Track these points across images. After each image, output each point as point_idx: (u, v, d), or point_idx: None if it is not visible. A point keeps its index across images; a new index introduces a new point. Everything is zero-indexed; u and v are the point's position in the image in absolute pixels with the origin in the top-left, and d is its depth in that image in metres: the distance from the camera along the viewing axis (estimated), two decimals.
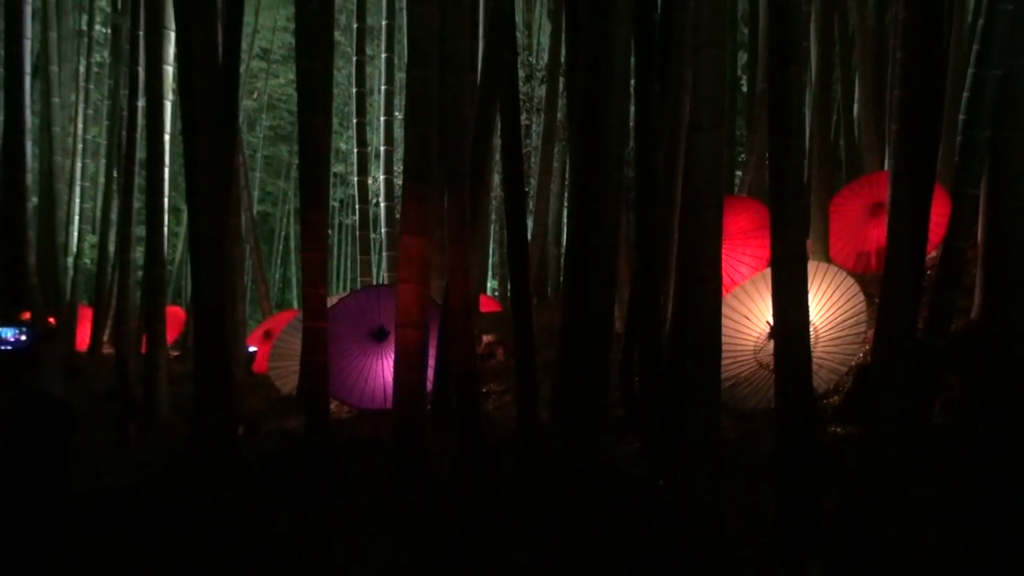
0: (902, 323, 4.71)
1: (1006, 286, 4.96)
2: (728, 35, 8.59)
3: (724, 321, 4.91)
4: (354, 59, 10.81)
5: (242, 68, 7.35)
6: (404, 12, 7.07)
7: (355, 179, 11.19)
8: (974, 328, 6.28)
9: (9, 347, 4.76)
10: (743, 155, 11.38)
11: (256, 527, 5.27)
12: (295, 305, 18.12)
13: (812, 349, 5.06)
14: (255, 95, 20.76)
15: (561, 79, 10.59)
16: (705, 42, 4.76)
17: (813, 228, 8.32)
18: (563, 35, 7.72)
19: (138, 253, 10.28)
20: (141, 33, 8.77)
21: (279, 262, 22.65)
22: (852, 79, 9.84)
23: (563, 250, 8.90)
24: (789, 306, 4.82)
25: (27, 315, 7.15)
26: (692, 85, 4.90)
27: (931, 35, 4.93)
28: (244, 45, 8.28)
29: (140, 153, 9.19)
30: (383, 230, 10.33)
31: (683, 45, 5.09)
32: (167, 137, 8.48)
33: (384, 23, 10.03)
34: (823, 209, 8.47)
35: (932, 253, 5.98)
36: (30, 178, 8.67)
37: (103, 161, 13.19)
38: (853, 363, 6.58)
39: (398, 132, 10.12)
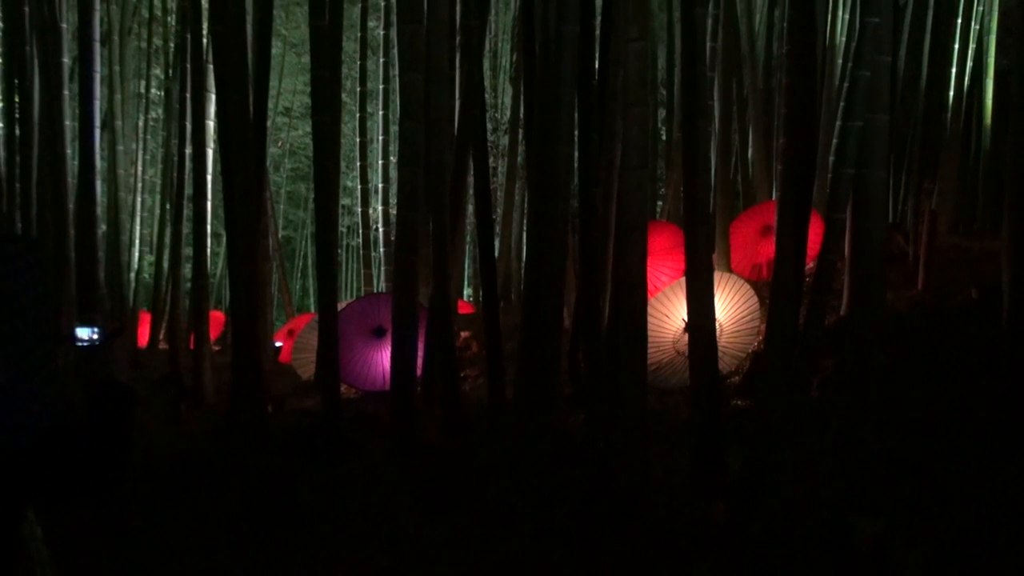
0: (787, 319, 4.76)
1: (865, 290, 5.03)
2: (650, 96, 8.66)
3: (649, 319, 4.94)
4: (357, 115, 10.77)
5: (268, 122, 7.32)
6: (397, 79, 7.06)
7: (359, 210, 11.14)
8: (842, 322, 6.35)
9: (86, 343, 4.71)
10: (663, 189, 11.45)
11: (282, 483, 5.23)
12: (312, 309, 17.96)
13: (718, 340, 5.10)
14: (279, 143, 20.62)
15: (520, 130, 10.62)
16: (632, 101, 4.79)
17: (718, 245, 8.38)
18: (522, 96, 7.75)
19: (186, 269, 10.19)
20: (188, 95, 8.70)
21: (299, 275, 22.54)
22: (747, 129, 9.92)
23: (523, 264, 8.91)
24: (700, 307, 4.87)
25: (98, 318, 7.07)
26: (622, 134, 4.93)
27: (807, 95, 5.00)
28: (270, 104, 8.25)
29: (188, 190, 9.11)
30: (381, 250, 10.30)
31: (615, 103, 5.13)
32: (209, 177, 8.41)
33: (381, 87, 10.02)
34: (725, 230, 8.53)
35: (810, 264, 6.04)
36: (100, 210, 8.55)
37: (158, 196, 13.07)
38: (750, 350, 6.64)
39: (393, 172, 10.07)
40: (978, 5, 9.40)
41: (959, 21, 9.33)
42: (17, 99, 7.86)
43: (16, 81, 7.84)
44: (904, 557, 3.63)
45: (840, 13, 9.09)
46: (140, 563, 4.21)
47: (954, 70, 9.43)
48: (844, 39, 8.76)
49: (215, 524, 4.76)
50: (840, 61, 8.51)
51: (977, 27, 9.44)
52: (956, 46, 9.39)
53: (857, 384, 4.90)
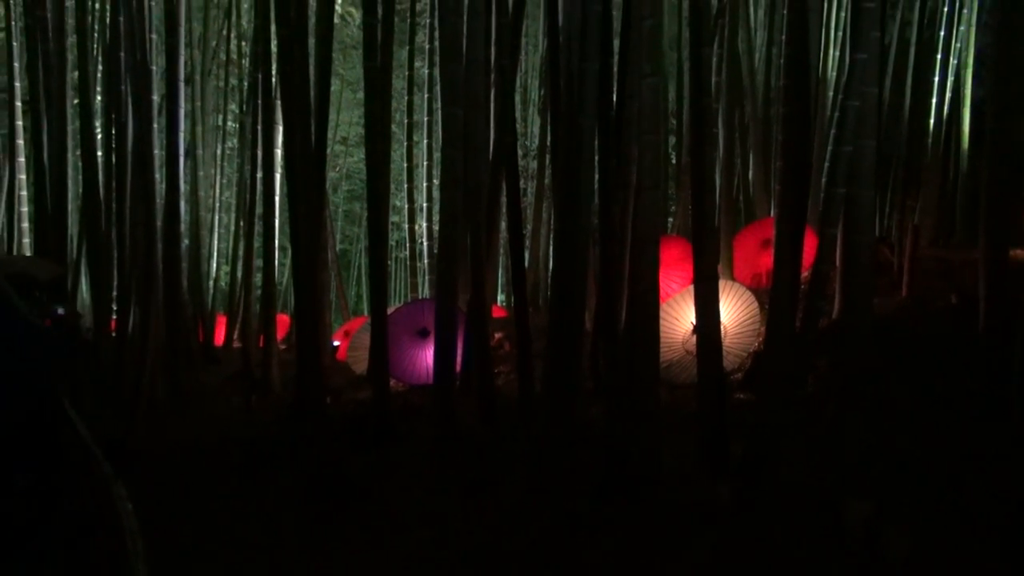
0: (784, 322, 4.70)
1: (854, 296, 4.95)
2: (662, 125, 8.61)
3: (661, 322, 4.91)
4: (405, 143, 10.86)
5: (328, 150, 7.40)
6: (439, 112, 7.10)
7: (406, 226, 11.20)
8: (834, 325, 6.26)
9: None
10: (673, 207, 11.38)
11: (339, 465, 5.27)
12: (365, 313, 18.08)
13: (722, 341, 5.05)
14: (337, 168, 20.79)
15: (547, 156, 10.61)
16: (646, 129, 4.77)
17: (722, 257, 8.30)
18: (548, 125, 7.76)
19: (257, 278, 10.29)
20: (259, 127, 8.81)
21: (354, 283, 22.69)
22: (748, 153, 9.85)
23: (550, 273, 8.90)
24: (706, 311, 4.82)
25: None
26: (637, 159, 4.91)
27: (802, 123, 4.94)
28: (329, 134, 8.33)
29: (259, 209, 9.21)
30: (425, 261, 10.32)
31: (631, 132, 5.10)
32: (277, 198, 8.50)
33: (426, 119, 10.07)
34: (729, 243, 8.46)
35: (805, 274, 5.96)
36: (183, 227, 8.70)
37: (233, 215, 13.23)
38: (751, 350, 6.57)
39: (436, 193, 10.11)
40: (955, 42, 9.27)
41: (939, 56, 9.22)
42: (114, 132, 8.00)
43: (113, 116, 7.99)
44: (892, 536, 3.57)
45: (831, 50, 9.00)
46: (214, 530, 4.25)
47: (934, 100, 9.31)
48: (835, 73, 8.67)
49: (280, 499, 4.80)
50: (831, 93, 8.41)
51: (955, 61, 9.31)
52: (936, 79, 9.27)
53: (848, 380, 4.83)
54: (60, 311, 7.04)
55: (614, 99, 5.40)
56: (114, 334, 7.85)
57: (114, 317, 7.99)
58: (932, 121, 9.27)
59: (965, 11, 9.21)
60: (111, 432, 6.20)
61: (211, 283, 13.04)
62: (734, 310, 6.54)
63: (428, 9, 9.91)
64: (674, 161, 12.67)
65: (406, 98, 10.91)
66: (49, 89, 7.86)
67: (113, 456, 3.75)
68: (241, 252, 10.98)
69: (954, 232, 9.19)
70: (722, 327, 5.40)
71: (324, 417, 6.52)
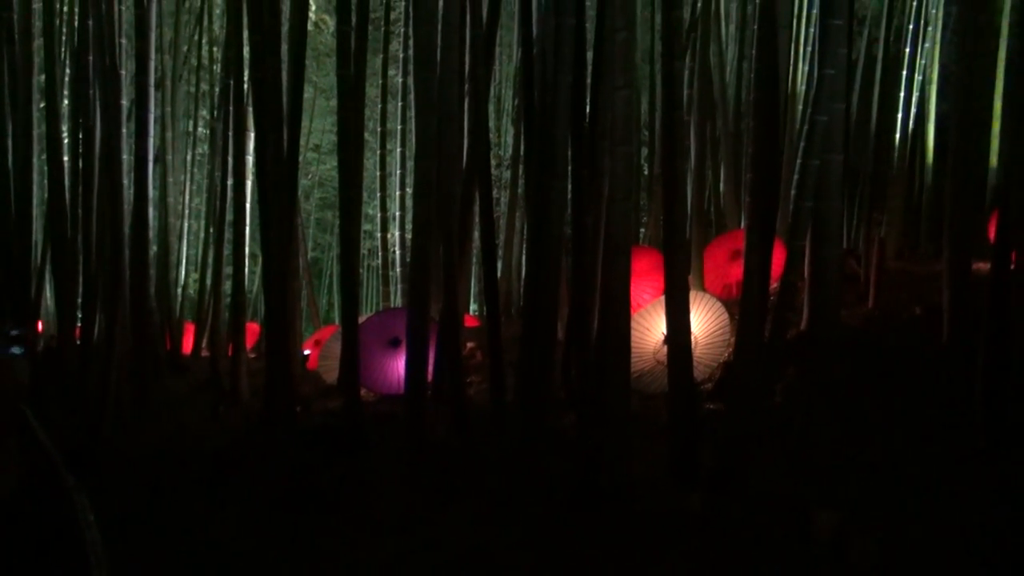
0: (754, 333, 4.75)
1: (822, 308, 5.02)
2: (634, 136, 8.67)
3: (632, 332, 4.94)
4: (378, 152, 10.80)
5: (300, 157, 7.34)
6: (413, 120, 7.09)
7: (379, 235, 11.15)
8: (802, 336, 6.34)
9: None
10: (645, 217, 11.46)
11: (308, 474, 5.21)
12: (336, 322, 17.93)
13: (692, 351, 5.09)
14: (309, 176, 20.63)
15: (520, 166, 10.63)
16: (619, 141, 4.81)
17: (693, 268, 8.37)
18: (522, 136, 7.78)
19: (227, 286, 10.16)
20: (230, 133, 8.73)
21: (326, 292, 22.50)
22: (719, 166, 9.95)
23: (523, 283, 8.91)
24: (677, 322, 4.86)
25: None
26: (610, 170, 4.94)
27: (771, 137, 5.02)
28: (302, 141, 8.26)
29: (229, 216, 9.10)
30: (398, 270, 10.27)
31: (604, 143, 5.14)
32: (248, 205, 8.42)
33: (399, 127, 10.04)
34: (699, 255, 8.53)
35: (774, 285, 6.04)
36: (151, 233, 8.58)
37: (203, 221, 13.05)
38: (721, 360, 6.61)
39: (408, 202, 10.07)
40: (920, 58, 9.47)
41: (904, 72, 9.40)
42: (81, 136, 7.88)
43: (81, 120, 7.88)
44: (859, 544, 3.61)
45: (800, 65, 9.14)
46: (181, 540, 4.19)
47: (900, 115, 9.49)
48: (804, 88, 8.79)
49: (249, 509, 4.74)
50: (800, 107, 8.52)
51: (920, 78, 9.50)
52: (901, 94, 9.46)
53: (816, 390, 4.89)
54: (15, 332, 6.90)
55: (587, 110, 5.44)
56: (79, 341, 7.71)
57: (79, 324, 7.85)
58: (898, 136, 9.45)
59: (930, 28, 9.41)
60: (75, 441, 6.09)
61: (179, 290, 12.85)
62: (704, 321, 6.59)
63: (402, 18, 9.90)
64: (646, 172, 12.75)
65: (379, 106, 10.86)
66: (15, 92, 7.71)
67: (77, 465, 3.68)
68: (211, 259, 10.84)
69: (919, 245, 9.36)
70: (692, 337, 5.44)
71: (294, 427, 6.45)
